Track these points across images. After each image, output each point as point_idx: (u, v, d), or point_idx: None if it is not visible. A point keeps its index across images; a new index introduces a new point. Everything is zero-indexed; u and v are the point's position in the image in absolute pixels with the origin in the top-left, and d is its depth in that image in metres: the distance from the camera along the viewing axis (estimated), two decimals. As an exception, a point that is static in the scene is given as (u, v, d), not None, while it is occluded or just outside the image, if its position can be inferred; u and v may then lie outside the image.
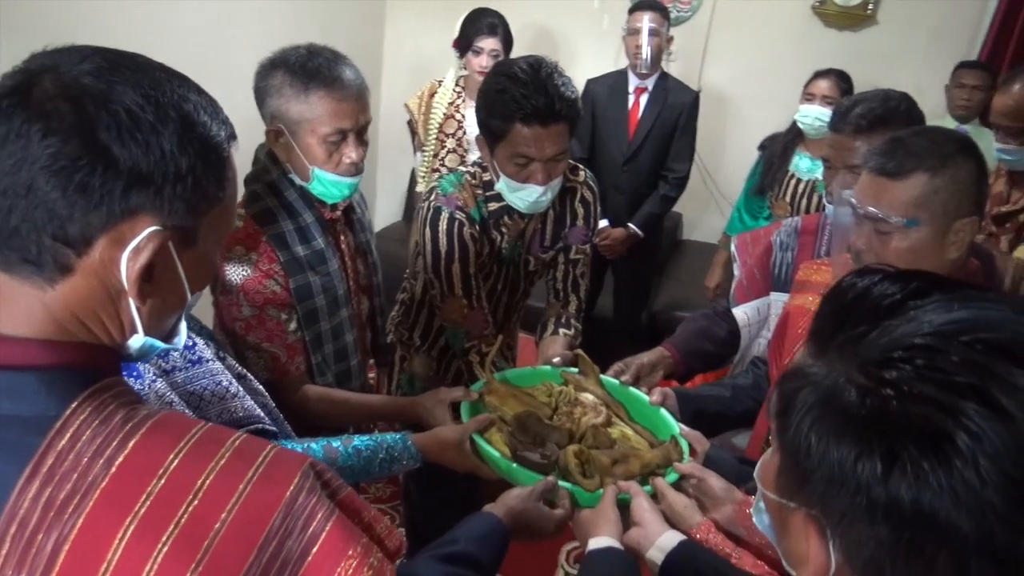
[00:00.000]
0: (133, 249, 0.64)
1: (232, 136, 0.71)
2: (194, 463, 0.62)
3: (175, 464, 0.61)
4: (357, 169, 1.45)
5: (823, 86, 2.92)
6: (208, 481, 0.61)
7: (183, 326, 0.77)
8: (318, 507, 0.65)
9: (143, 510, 0.59)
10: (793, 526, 0.61)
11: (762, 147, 3.22)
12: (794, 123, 3.01)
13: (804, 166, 2.98)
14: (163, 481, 0.60)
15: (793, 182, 2.99)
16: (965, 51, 3.65)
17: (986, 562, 0.49)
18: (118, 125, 0.61)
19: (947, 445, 0.49)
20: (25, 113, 0.60)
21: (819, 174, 2.89)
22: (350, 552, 0.65)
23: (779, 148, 3.06)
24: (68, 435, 0.61)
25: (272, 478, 0.64)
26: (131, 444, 0.61)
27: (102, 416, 0.63)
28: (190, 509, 0.60)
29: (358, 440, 1.29)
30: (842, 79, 2.94)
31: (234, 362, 1.20)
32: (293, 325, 1.46)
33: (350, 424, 1.60)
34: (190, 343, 1.10)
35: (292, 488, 0.64)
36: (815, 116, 2.87)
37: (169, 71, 0.68)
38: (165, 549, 0.58)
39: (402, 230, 4.30)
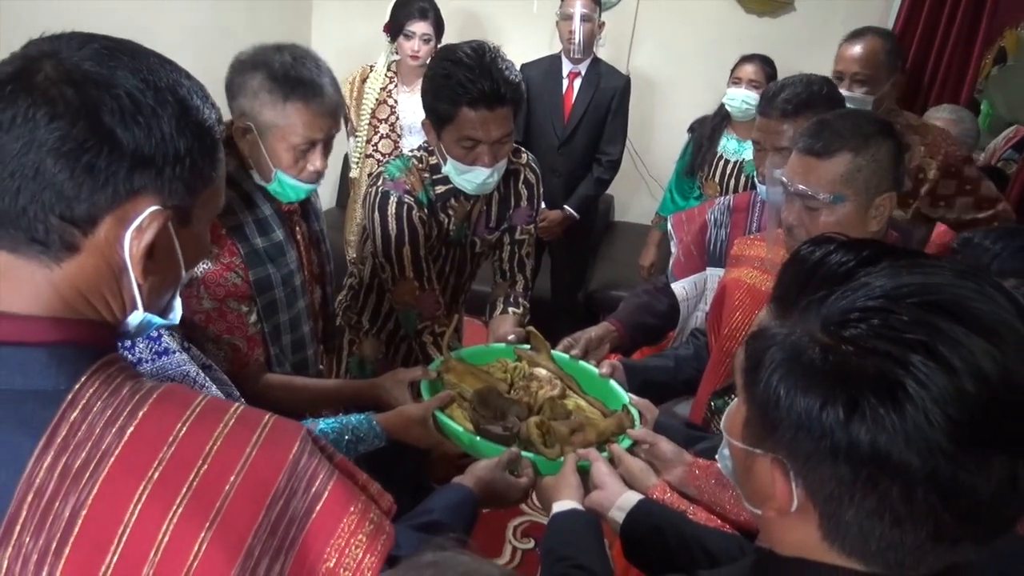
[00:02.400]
0: (136, 228, 0.67)
1: (220, 119, 0.73)
2: (201, 430, 0.65)
3: (184, 431, 0.64)
4: (318, 177, 1.47)
5: (749, 70, 3.03)
6: (216, 447, 0.65)
7: (178, 302, 0.79)
8: (319, 468, 0.69)
9: (156, 475, 0.62)
10: (758, 470, 0.68)
11: (691, 129, 3.33)
12: (722, 106, 3.12)
13: (732, 147, 3.10)
14: (173, 448, 0.63)
15: (722, 163, 3.10)
16: (875, 35, 3.85)
17: (931, 492, 0.57)
18: (121, 109, 0.63)
19: (900, 393, 0.56)
20: (30, 98, 0.62)
21: (746, 155, 3.02)
22: (352, 509, 0.69)
23: (708, 131, 3.16)
24: (80, 407, 0.63)
25: (275, 442, 0.67)
26: (141, 414, 0.64)
27: (111, 388, 0.65)
28: (201, 473, 0.63)
29: (323, 423, 1.32)
30: (767, 64, 3.06)
31: (198, 352, 1.20)
32: (253, 317, 1.46)
33: (310, 410, 1.61)
34: (155, 334, 1.10)
35: (294, 451, 0.68)
36: (742, 99, 2.99)
37: (160, 56, 0.70)
38: (180, 511, 0.61)
39: (336, 216, 4.25)
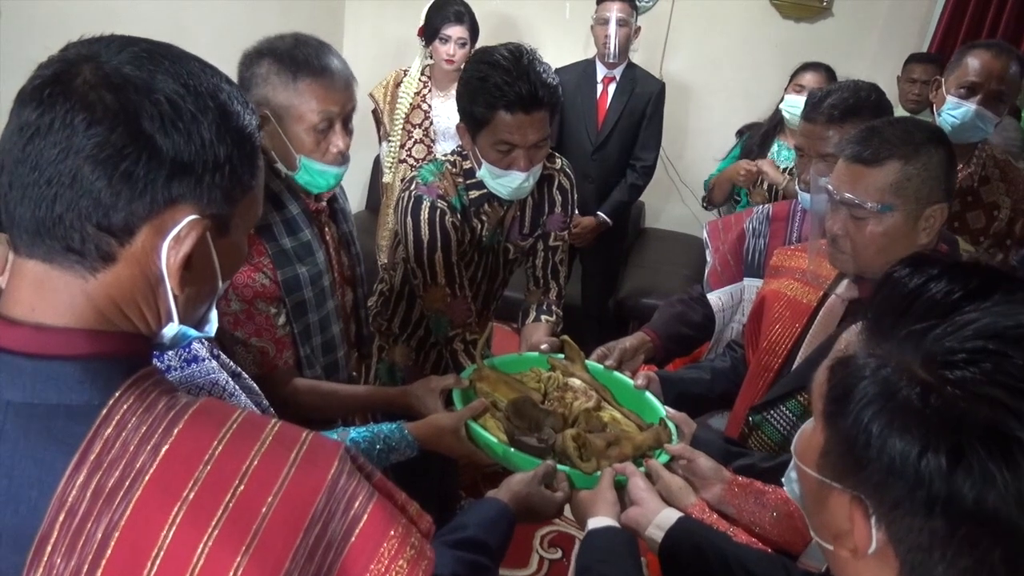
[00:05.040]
0: (174, 238, 0.65)
1: (260, 126, 0.71)
2: (238, 449, 0.63)
3: (220, 450, 0.62)
4: (344, 158, 1.45)
5: (810, 78, 2.94)
6: (252, 466, 0.62)
7: (214, 314, 0.77)
8: (358, 490, 0.66)
9: (191, 496, 0.60)
10: (833, 504, 0.63)
11: (740, 133, 3.27)
12: (775, 112, 3.05)
13: (783, 155, 3.03)
14: (209, 467, 0.61)
15: None
16: (916, 43, 3.77)
17: None
18: (161, 115, 0.62)
19: (1015, 448, 0.51)
20: (68, 103, 0.60)
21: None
22: (391, 533, 0.66)
23: (758, 138, 3.09)
24: (114, 423, 0.62)
25: (313, 462, 0.65)
26: (176, 431, 0.62)
27: (145, 404, 0.63)
28: (237, 494, 0.61)
29: (355, 432, 1.29)
30: (830, 74, 2.96)
31: (227, 359, 1.19)
32: (282, 319, 1.45)
33: (339, 416, 1.59)
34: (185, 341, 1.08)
35: (333, 471, 0.65)
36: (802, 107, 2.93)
37: (201, 61, 0.68)
38: (215, 534, 0.59)
39: (365, 220, 4.26)
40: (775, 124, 3.07)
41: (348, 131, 1.46)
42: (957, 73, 2.17)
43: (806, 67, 3.02)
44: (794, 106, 2.95)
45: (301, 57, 1.36)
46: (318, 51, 1.38)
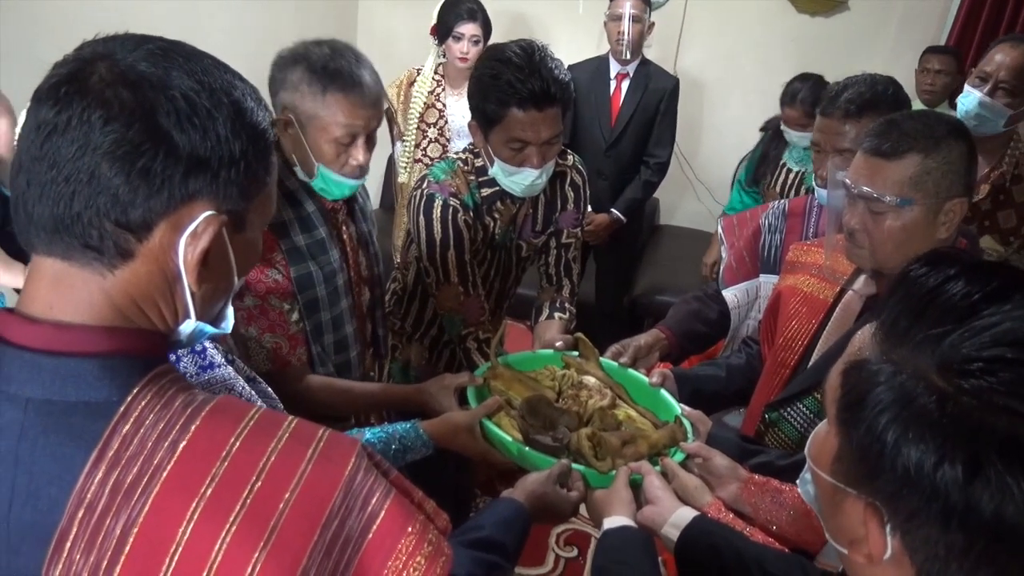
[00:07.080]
0: (191, 233, 0.65)
1: (273, 123, 0.71)
2: (255, 445, 0.63)
3: (237, 446, 0.62)
4: (362, 172, 1.46)
5: (792, 115, 2.94)
6: (270, 462, 0.62)
7: (230, 311, 0.78)
8: (376, 486, 0.66)
9: (209, 492, 0.60)
10: (848, 510, 0.61)
11: (764, 129, 3.25)
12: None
13: (796, 155, 3.02)
14: (227, 463, 0.61)
15: (784, 172, 3.03)
16: (934, 36, 3.72)
17: None
18: (177, 111, 0.62)
19: None
20: (84, 100, 0.60)
21: (811, 166, 2.94)
22: (409, 530, 0.66)
23: (771, 143, 3.09)
24: (132, 420, 0.62)
25: (330, 458, 0.65)
26: (193, 428, 0.62)
27: (163, 401, 0.64)
28: (254, 490, 0.61)
29: (369, 433, 1.29)
30: (816, 88, 2.87)
31: (243, 364, 1.19)
32: (295, 315, 1.45)
33: (352, 413, 1.59)
34: (200, 348, 1.09)
35: (350, 468, 0.65)
36: (797, 138, 2.95)
37: (213, 58, 0.69)
38: (233, 529, 0.59)
39: (379, 218, 4.23)
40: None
41: (371, 145, 1.47)
42: (980, 64, 2.19)
43: (785, 101, 2.96)
44: (791, 135, 2.96)
45: (334, 69, 1.36)
46: (352, 64, 1.38)
